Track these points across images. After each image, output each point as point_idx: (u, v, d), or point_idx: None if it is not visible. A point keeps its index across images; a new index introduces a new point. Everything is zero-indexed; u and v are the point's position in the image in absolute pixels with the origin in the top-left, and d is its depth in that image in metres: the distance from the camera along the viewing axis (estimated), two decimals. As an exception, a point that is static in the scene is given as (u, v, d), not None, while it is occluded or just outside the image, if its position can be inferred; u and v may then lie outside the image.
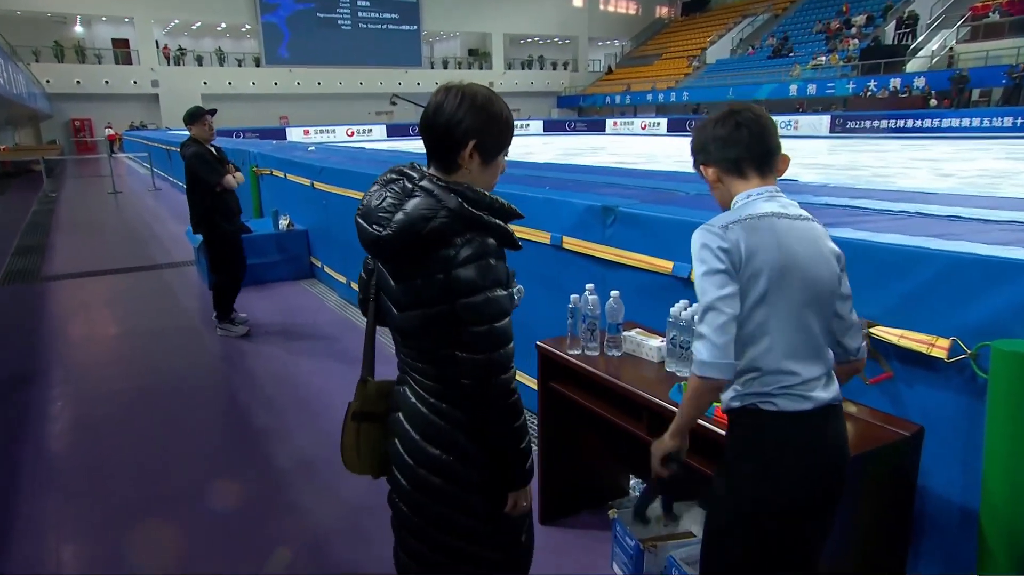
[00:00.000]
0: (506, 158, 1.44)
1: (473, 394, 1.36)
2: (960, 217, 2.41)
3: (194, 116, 4.68)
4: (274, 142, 16.08)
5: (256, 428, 3.55)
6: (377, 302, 1.48)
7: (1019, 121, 21.44)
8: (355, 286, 5.64)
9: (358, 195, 5.18)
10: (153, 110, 33.16)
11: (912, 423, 1.80)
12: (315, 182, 6.21)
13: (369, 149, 10.25)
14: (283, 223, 6.79)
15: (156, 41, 32.85)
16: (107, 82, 31.64)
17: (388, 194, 1.36)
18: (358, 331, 5.09)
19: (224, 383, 4.16)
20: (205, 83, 34.01)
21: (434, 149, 1.37)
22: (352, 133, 32.83)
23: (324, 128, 32.20)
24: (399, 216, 1.31)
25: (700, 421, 1.82)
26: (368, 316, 1.53)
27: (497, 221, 1.34)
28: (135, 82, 32.34)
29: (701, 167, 1.57)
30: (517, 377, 1.43)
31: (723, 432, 1.72)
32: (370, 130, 33.70)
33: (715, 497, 1.55)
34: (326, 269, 6.45)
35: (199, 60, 34.47)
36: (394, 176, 1.40)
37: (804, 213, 1.50)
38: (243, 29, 35.61)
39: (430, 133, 1.36)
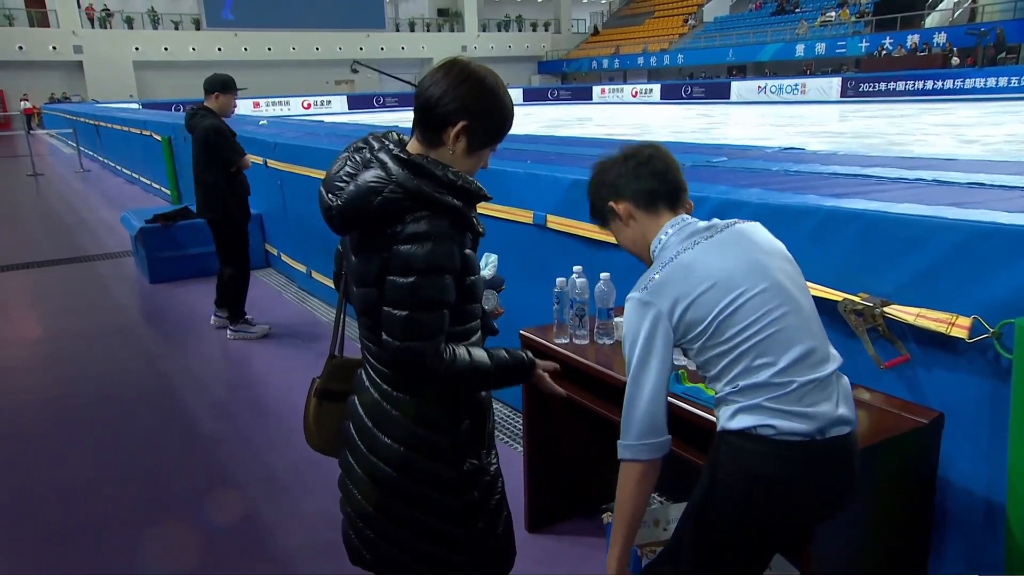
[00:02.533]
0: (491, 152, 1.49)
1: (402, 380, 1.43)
2: (982, 184, 2.46)
3: (227, 85, 4.65)
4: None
5: (206, 436, 3.54)
6: (346, 277, 1.53)
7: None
8: (317, 275, 5.63)
9: (318, 174, 5.15)
10: (77, 80, 32.56)
11: (931, 410, 1.85)
12: (268, 160, 6.16)
13: (328, 123, 10.18)
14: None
15: (77, 0, 32.15)
16: (21, 47, 30.99)
17: (349, 163, 1.41)
18: (320, 325, 5.09)
19: (168, 388, 4.14)
20: (137, 49, 33.48)
21: (421, 119, 1.41)
22: (308, 105, 32.55)
23: (277, 100, 31.87)
24: (350, 187, 1.36)
25: (701, 411, 1.85)
26: (339, 290, 1.61)
27: (455, 202, 1.36)
28: (54, 48, 31.71)
29: (611, 204, 1.66)
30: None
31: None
32: (329, 101, 33.44)
33: None
34: (283, 257, 6.41)
35: (129, 22, 33.88)
36: (361, 144, 1.45)
37: (721, 224, 1.59)
38: (180, -13, 35.07)
39: (419, 103, 1.40)
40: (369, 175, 1.35)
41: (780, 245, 1.59)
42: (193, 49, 34.21)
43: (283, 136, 6.49)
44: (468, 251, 1.42)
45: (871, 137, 14.14)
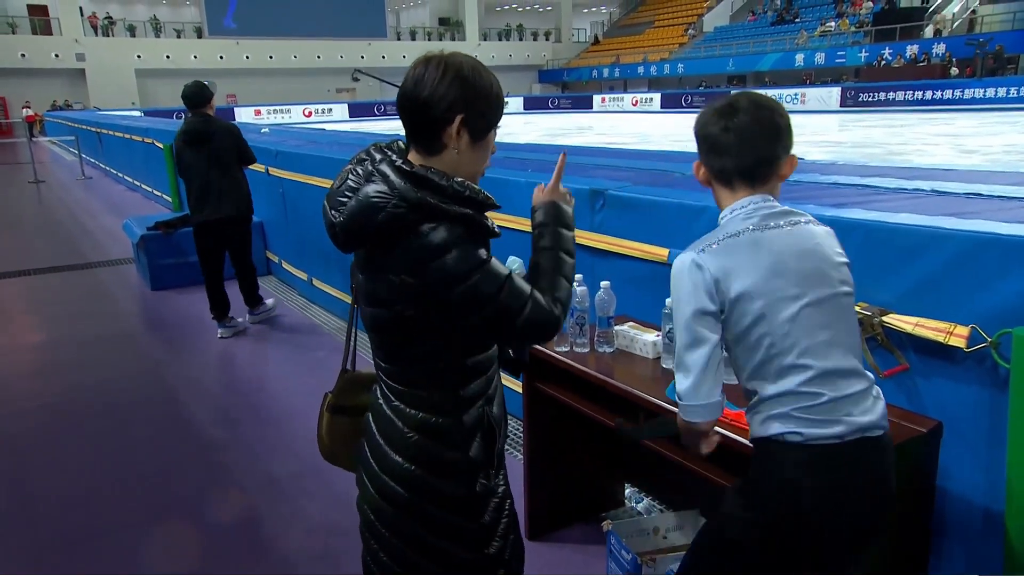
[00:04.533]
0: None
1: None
2: (980, 195, 2.48)
3: (208, 96, 4.92)
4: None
5: (208, 443, 3.54)
6: (357, 290, 1.49)
7: (1049, 91, 21.91)
8: (318, 283, 5.64)
9: (319, 182, 5.17)
10: (79, 87, 32.68)
11: (929, 419, 1.86)
12: (270, 168, 6.18)
13: (330, 131, 10.22)
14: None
15: (80, 8, 32.35)
16: (23, 55, 31.11)
17: (351, 176, 1.36)
18: (322, 333, 5.10)
19: (170, 395, 4.15)
20: (139, 57, 33.62)
21: (415, 128, 1.35)
22: (310, 113, 32.65)
23: (278, 107, 31.99)
24: (352, 202, 1.32)
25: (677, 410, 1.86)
26: (352, 304, 1.57)
27: (464, 210, 1.31)
28: (57, 55, 31.84)
29: (695, 163, 1.61)
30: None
31: (730, 435, 1.76)
32: (330, 109, 33.54)
33: None
34: (284, 265, 6.43)
35: (131, 30, 34.05)
36: (363, 155, 1.40)
37: (799, 218, 1.52)
38: (182, -5, 35.25)
39: (410, 110, 1.34)
40: (371, 189, 1.30)
41: (844, 260, 1.53)
42: (195, 57, 34.35)
43: (284, 144, 6.52)
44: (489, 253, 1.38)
45: (871, 147, 14.18)
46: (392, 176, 1.30)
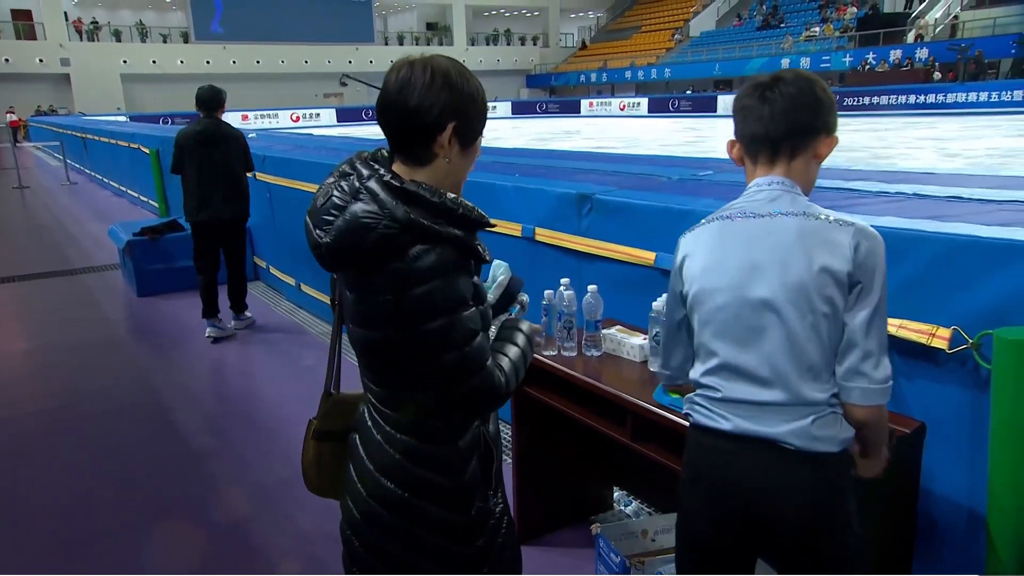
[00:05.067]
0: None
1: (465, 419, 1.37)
2: (960, 198, 2.51)
3: (224, 100, 5.09)
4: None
5: (197, 450, 3.52)
6: (342, 307, 1.41)
7: (1030, 95, 22.19)
8: (306, 288, 5.63)
9: (307, 187, 5.16)
10: (63, 92, 32.45)
11: (912, 419, 1.87)
12: (257, 173, 6.16)
13: (317, 136, 10.19)
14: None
15: (65, 13, 32.14)
16: (7, 60, 30.86)
17: (336, 192, 1.28)
18: (311, 337, 5.08)
19: (158, 402, 4.12)
20: (125, 62, 33.42)
21: (403, 139, 1.29)
22: (297, 118, 32.57)
23: (265, 112, 31.88)
24: (339, 222, 1.24)
25: (665, 412, 1.87)
26: (335, 321, 1.50)
27: (456, 232, 1.25)
28: (41, 60, 31.60)
29: (729, 140, 1.56)
30: None
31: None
32: (318, 114, 33.48)
33: None
34: (272, 270, 6.41)
35: (117, 35, 33.83)
36: (348, 169, 1.31)
37: (792, 210, 1.42)
38: (168, 0, 35.05)
39: (396, 120, 1.27)
40: (359, 209, 1.23)
41: (828, 268, 1.36)
42: (181, 62, 34.19)
43: (272, 149, 6.51)
44: (476, 280, 1.33)
45: (856, 151, 14.29)
46: (381, 194, 1.23)
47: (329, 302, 1.53)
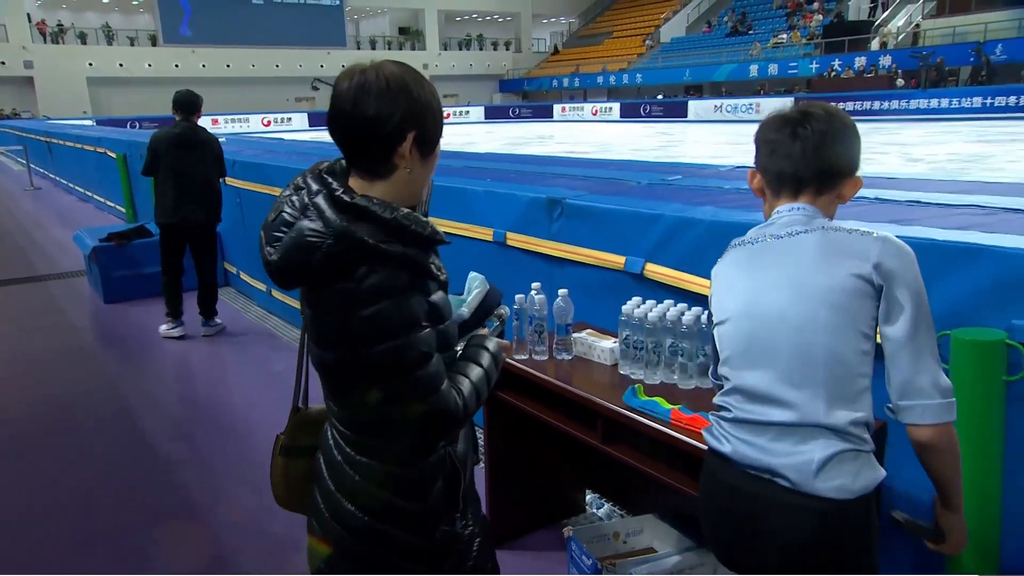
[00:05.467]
0: (442, 148, 1.35)
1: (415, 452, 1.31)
2: (920, 202, 2.57)
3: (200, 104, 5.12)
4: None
5: (165, 459, 3.47)
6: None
7: (988, 102, 22.77)
8: (277, 294, 5.57)
9: (278, 192, 5.10)
10: (27, 95, 31.82)
11: (876, 419, 1.91)
12: (227, 178, 6.09)
13: (289, 140, 10.11)
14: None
15: (28, 15, 31.51)
16: (-31, 63, 30.21)
17: (287, 207, 1.23)
18: (281, 343, 5.03)
19: (126, 410, 4.05)
20: (91, 64, 32.85)
21: (359, 150, 1.23)
22: (269, 122, 32.25)
23: (236, 117, 31.53)
24: (287, 239, 1.20)
25: (655, 425, 1.89)
26: (302, 333, 1.45)
27: (407, 251, 1.19)
28: (3, 63, 30.95)
29: (750, 171, 1.54)
30: None
31: (686, 439, 1.80)
32: (289, 119, 33.19)
33: None
34: (243, 276, 6.34)
35: (82, 38, 33.25)
36: (301, 183, 1.26)
37: (805, 227, 1.40)
38: (135, 2, 34.52)
39: (353, 131, 1.22)
40: (305, 226, 1.18)
41: (842, 273, 1.34)
42: (149, 65, 33.69)
43: (242, 154, 6.44)
44: (434, 299, 1.26)
45: (822, 155, 14.53)
46: (327, 212, 1.18)
47: (300, 309, 1.48)
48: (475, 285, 1.53)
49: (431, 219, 1.32)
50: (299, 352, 1.51)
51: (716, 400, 1.52)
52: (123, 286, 6.16)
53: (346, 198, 1.19)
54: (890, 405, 1.37)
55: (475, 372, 1.34)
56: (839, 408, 1.32)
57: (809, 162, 1.40)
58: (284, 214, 1.23)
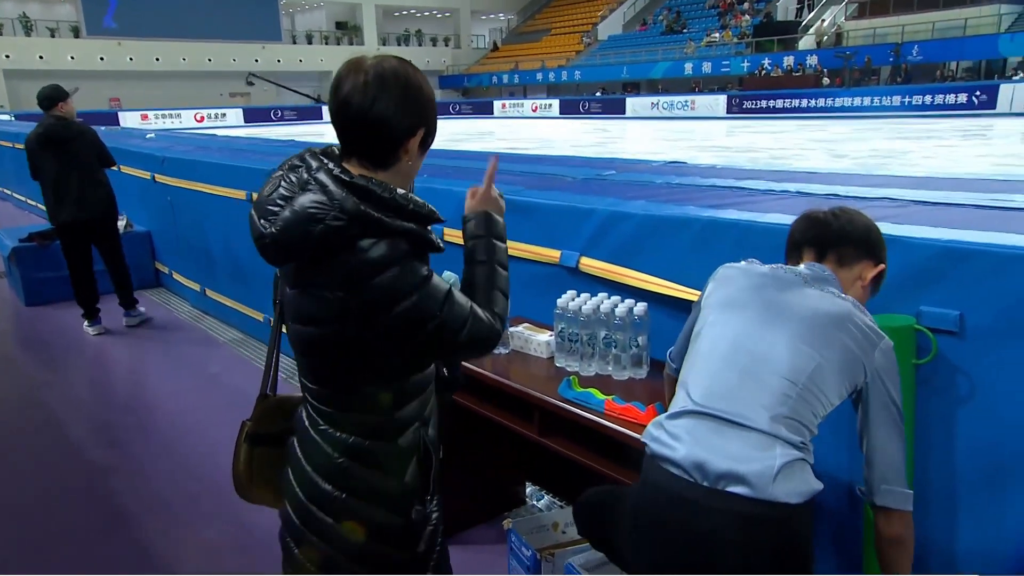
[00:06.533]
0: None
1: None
2: (837, 195, 2.68)
3: (64, 93, 5.00)
4: (103, 128, 14.97)
5: (95, 466, 3.34)
6: (283, 306, 1.38)
7: (906, 100, 23.85)
8: (212, 294, 5.42)
9: (211, 189, 4.97)
10: (-63, 90, 30.05)
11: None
12: (156, 175, 5.90)
13: (222, 136, 9.82)
14: (120, 224, 6.38)
15: (-63, 4, 29.74)
16: None
17: (283, 183, 1.26)
18: (217, 345, 4.90)
19: (51, 417, 3.88)
20: (7, 56, 31.20)
21: (366, 145, 1.28)
22: (202, 118, 31.30)
23: (167, 112, 30.51)
24: (286, 213, 1.21)
25: (590, 415, 1.92)
26: (275, 321, 1.47)
27: (408, 225, 1.25)
28: (-90, 55, 29.17)
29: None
30: None
31: (619, 428, 1.84)
32: (224, 114, 32.28)
33: None
34: (175, 276, 6.14)
35: (-3, 28, 31.57)
36: (297, 162, 1.30)
37: (824, 289, 1.55)
38: (56, -9, 32.98)
39: (362, 128, 1.26)
40: (307, 199, 1.20)
41: (842, 334, 1.47)
42: (72, 58, 32.16)
43: (172, 150, 6.23)
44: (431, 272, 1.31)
45: (755, 151, 14.98)
46: (331, 186, 1.21)
47: (273, 296, 1.48)
48: (451, 282, 1.57)
49: None
50: (271, 338, 1.52)
51: (671, 400, 1.56)
52: (45, 288, 5.90)
53: (346, 177, 1.23)
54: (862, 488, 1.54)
55: (485, 275, 1.39)
56: (796, 429, 1.43)
57: (832, 231, 1.61)
58: (281, 189, 1.25)
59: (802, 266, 1.62)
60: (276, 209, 1.23)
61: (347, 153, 1.30)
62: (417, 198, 1.28)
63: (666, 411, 1.58)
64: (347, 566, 1.34)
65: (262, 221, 1.24)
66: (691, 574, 1.40)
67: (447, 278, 1.56)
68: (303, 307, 1.28)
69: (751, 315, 1.52)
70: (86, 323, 5.12)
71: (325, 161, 1.27)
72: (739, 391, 1.45)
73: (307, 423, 1.36)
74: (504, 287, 1.41)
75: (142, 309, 5.36)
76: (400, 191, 1.25)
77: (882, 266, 1.62)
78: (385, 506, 1.34)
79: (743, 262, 1.67)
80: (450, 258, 1.59)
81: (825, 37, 29.25)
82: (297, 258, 1.25)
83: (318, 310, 1.25)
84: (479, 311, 1.32)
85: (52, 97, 4.90)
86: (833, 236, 1.60)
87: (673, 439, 1.47)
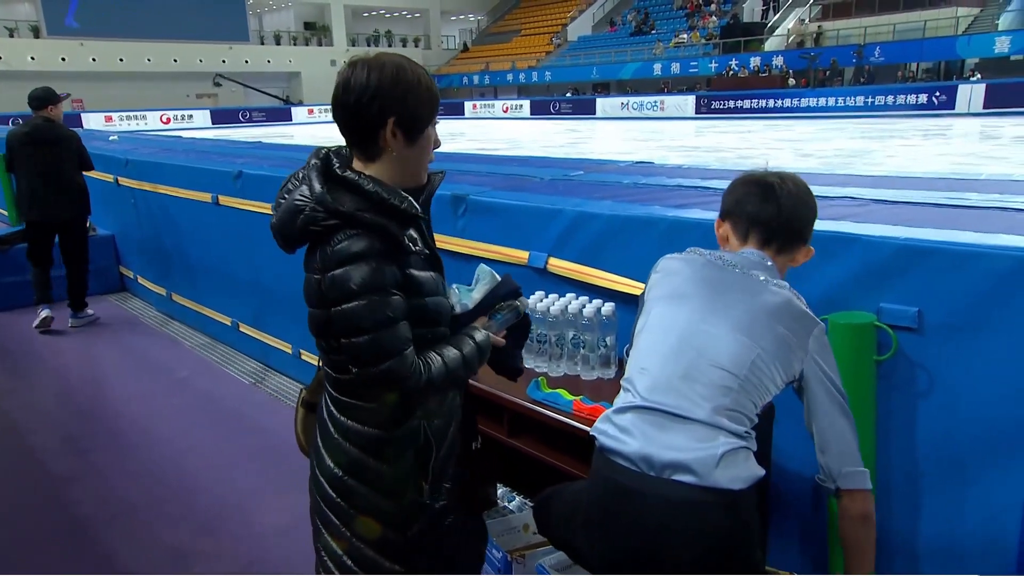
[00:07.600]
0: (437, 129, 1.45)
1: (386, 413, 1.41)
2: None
3: (56, 96, 5.10)
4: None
5: (59, 475, 3.27)
6: None
7: (870, 100, 24.33)
8: (177, 298, 5.33)
9: (176, 192, 4.89)
10: None
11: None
12: (119, 178, 5.78)
13: (187, 138, 9.66)
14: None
15: None
16: None
17: (293, 178, 1.41)
18: (183, 351, 4.82)
19: (13, 426, 3.78)
20: (-34, 57, 30.45)
21: (351, 134, 1.38)
22: (168, 120, 30.82)
23: (132, 114, 29.99)
24: (284, 203, 1.37)
25: (558, 416, 1.92)
26: None
27: (379, 220, 1.29)
28: None
29: (716, 221, 1.70)
30: None
31: (588, 429, 1.84)
32: (191, 116, 31.81)
33: None
34: (140, 280, 6.03)
35: (-46, 28, 30.75)
36: (309, 160, 1.42)
37: (762, 277, 1.55)
38: (14, -10, 32.20)
39: (343, 117, 1.36)
40: (297, 193, 1.35)
41: (781, 324, 1.50)
42: (32, 59, 31.44)
43: (136, 152, 6.12)
44: (413, 271, 1.36)
45: (723, 151, 15.15)
46: (315, 181, 1.32)
47: None
48: (483, 277, 1.62)
49: None
50: None
51: (622, 385, 1.58)
52: (7, 294, 5.75)
53: (338, 172, 1.33)
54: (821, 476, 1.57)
55: (450, 353, 1.41)
56: (738, 419, 1.46)
57: (782, 219, 1.57)
58: (290, 184, 1.40)
59: (743, 251, 1.61)
60: (281, 201, 1.38)
61: (348, 146, 1.41)
62: (401, 193, 1.33)
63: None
64: (339, 531, 1.46)
65: (273, 211, 1.40)
66: (643, 562, 1.43)
67: (481, 270, 1.62)
68: (305, 289, 1.40)
69: (694, 306, 1.54)
70: (38, 309, 5.15)
71: (330, 158, 1.36)
72: (682, 385, 1.47)
73: (323, 404, 1.50)
74: (458, 374, 1.42)
75: (90, 311, 5.38)
76: (381, 186, 1.32)
77: (812, 249, 1.67)
78: (380, 490, 1.43)
79: (685, 252, 1.68)
80: (449, 262, 1.61)
81: (795, 39, 29.71)
82: (293, 245, 1.38)
83: (310, 292, 1.38)
84: (412, 356, 1.32)
85: (43, 98, 5.01)
86: (782, 226, 1.59)
87: (623, 432, 1.49)
